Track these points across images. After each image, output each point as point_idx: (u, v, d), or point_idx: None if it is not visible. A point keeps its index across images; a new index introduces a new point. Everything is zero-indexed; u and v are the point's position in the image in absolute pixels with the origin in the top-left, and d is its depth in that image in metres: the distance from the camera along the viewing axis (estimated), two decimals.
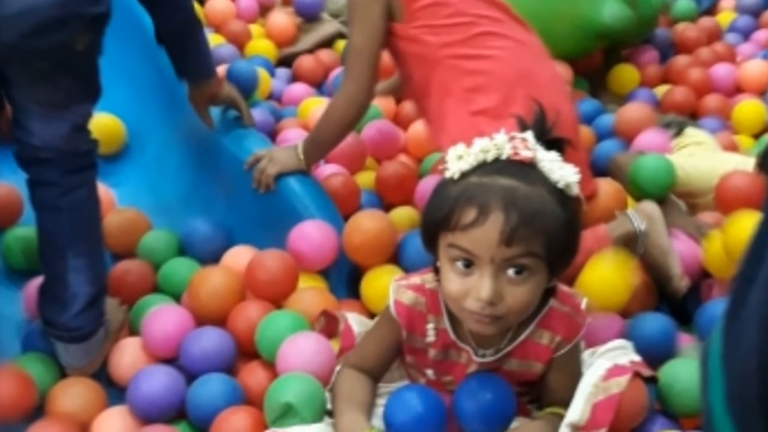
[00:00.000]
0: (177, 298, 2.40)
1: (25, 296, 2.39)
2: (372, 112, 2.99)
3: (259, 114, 3.07)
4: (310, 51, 3.98)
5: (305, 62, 3.84)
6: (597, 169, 2.80)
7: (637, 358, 1.83)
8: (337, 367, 1.89)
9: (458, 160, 1.57)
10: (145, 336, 2.18)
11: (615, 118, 3.18)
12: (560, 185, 1.55)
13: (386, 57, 2.53)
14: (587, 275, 2.14)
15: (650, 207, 2.43)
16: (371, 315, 2.27)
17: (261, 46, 3.90)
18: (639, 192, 2.59)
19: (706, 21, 4.35)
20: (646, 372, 1.78)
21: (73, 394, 2.04)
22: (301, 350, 1.98)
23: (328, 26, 4.12)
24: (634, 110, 3.18)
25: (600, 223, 2.37)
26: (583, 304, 1.75)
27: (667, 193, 2.59)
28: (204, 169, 2.86)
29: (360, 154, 3.00)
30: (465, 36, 2.37)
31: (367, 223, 2.41)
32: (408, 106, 3.29)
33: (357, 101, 2.45)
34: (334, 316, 2.11)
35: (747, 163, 2.65)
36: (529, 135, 1.59)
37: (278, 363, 2.00)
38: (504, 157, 1.55)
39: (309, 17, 4.14)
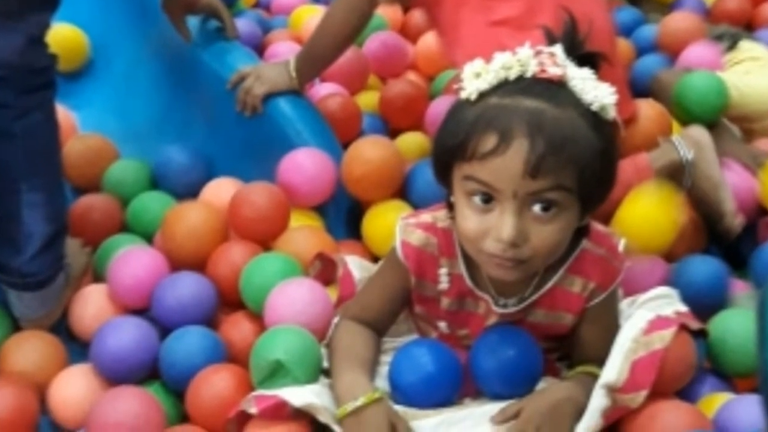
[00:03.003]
0: (149, 238, 2.40)
1: None
2: (375, 22, 2.97)
3: (244, 24, 3.07)
4: None
5: None
6: (637, 88, 2.78)
7: (683, 308, 1.82)
8: (335, 319, 1.89)
9: (476, 78, 1.55)
10: (112, 283, 2.17)
11: (658, 30, 3.20)
12: (594, 107, 1.53)
13: None
14: (626, 212, 2.14)
15: (699, 133, 2.41)
16: (374, 258, 2.29)
17: None
18: (686, 115, 2.58)
19: None
20: (694, 325, 1.77)
21: (28, 350, 2.03)
22: (293, 299, 1.96)
23: None
24: (681, 20, 3.20)
25: (641, 152, 2.36)
26: (621, 246, 1.75)
27: (719, 116, 2.58)
28: (180, 89, 2.84)
29: (361, 71, 3.01)
30: None
31: (369, 151, 2.40)
32: (417, 16, 3.29)
33: (358, 9, 2.43)
34: (332, 260, 2.11)
35: None
36: (557, 49, 1.57)
37: (266, 314, 1.99)
38: (529, 74, 1.53)
39: None
